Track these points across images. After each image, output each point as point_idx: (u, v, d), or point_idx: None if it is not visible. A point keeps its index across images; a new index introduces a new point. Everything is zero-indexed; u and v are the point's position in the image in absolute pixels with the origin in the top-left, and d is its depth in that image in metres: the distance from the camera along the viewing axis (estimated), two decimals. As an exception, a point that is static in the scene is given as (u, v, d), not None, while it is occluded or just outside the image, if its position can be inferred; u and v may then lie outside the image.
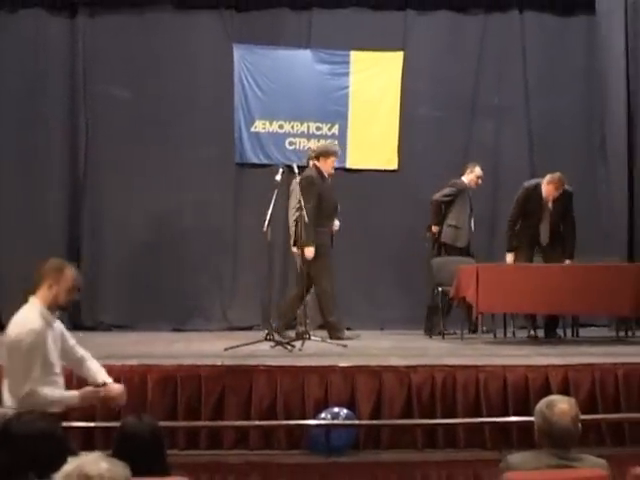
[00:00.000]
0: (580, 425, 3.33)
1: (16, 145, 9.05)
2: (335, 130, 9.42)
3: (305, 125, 9.43)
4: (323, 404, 5.40)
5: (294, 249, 7.63)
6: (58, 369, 4.21)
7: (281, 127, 9.41)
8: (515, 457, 3.35)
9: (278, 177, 7.12)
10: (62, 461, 2.28)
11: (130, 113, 9.20)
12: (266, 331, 6.93)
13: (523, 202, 7.81)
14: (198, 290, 9.13)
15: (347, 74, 9.46)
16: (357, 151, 9.38)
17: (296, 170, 7.44)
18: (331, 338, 7.31)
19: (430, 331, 8.14)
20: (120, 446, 3.19)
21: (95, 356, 4.55)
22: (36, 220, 8.95)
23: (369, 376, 5.55)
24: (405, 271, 9.11)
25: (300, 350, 6.53)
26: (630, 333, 7.72)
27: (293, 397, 5.46)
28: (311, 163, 7.71)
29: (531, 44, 9.56)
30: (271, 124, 9.40)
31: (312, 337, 6.85)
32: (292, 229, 7.68)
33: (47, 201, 9.07)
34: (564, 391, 5.17)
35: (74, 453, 2.30)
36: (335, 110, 9.44)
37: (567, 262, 7.72)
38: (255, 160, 9.35)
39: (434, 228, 8.45)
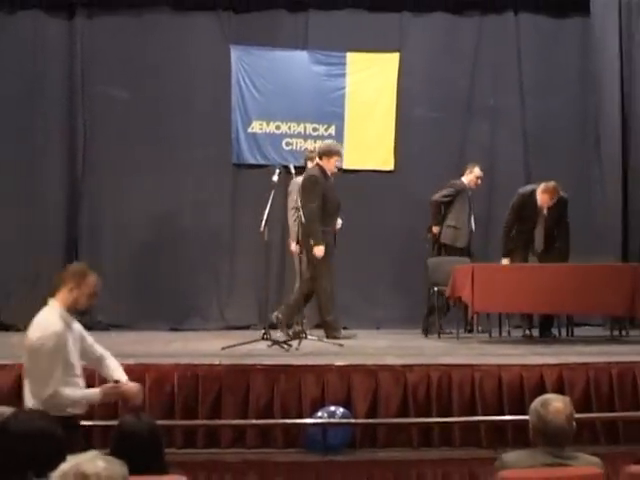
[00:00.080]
0: (574, 424, 3.35)
1: (15, 146, 9.04)
2: (332, 131, 9.43)
3: (302, 126, 9.45)
4: (320, 403, 5.42)
5: (295, 249, 7.62)
6: (79, 370, 4.22)
7: (278, 128, 9.43)
8: (510, 455, 3.37)
9: (275, 177, 7.14)
10: (60, 460, 2.29)
11: (128, 114, 9.22)
12: (263, 330, 6.94)
13: (518, 208, 7.82)
14: (195, 290, 9.15)
15: (343, 75, 9.49)
16: (354, 152, 9.37)
17: (293, 170, 7.49)
18: (328, 337, 7.31)
19: (427, 331, 8.18)
20: (118, 445, 3.21)
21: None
22: (35, 220, 8.97)
23: (365, 375, 5.57)
24: (402, 271, 9.14)
25: (297, 349, 6.54)
26: (624, 332, 7.76)
27: (290, 396, 5.48)
28: (313, 162, 7.73)
29: (526, 46, 9.59)
30: (268, 125, 9.42)
31: (309, 336, 6.87)
32: (294, 229, 7.70)
33: (46, 201, 9.07)
34: (559, 390, 5.18)
35: (84, 450, 2.30)
36: (332, 111, 9.46)
37: (561, 267, 7.76)
38: (252, 160, 9.37)
39: (434, 229, 8.47)
